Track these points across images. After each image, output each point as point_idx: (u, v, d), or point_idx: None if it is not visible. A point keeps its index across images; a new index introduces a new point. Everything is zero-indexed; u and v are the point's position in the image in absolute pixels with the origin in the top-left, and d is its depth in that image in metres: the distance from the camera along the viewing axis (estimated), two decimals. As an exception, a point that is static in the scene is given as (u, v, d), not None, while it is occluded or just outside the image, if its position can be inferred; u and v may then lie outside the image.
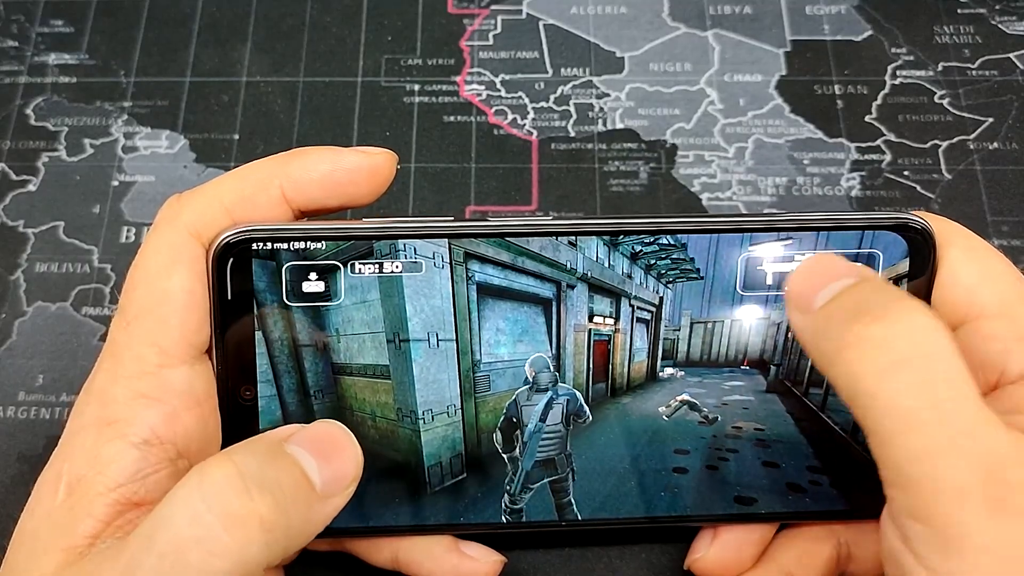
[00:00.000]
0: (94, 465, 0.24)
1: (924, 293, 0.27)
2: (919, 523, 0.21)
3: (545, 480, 0.30)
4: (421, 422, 0.29)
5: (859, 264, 0.26)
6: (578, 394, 0.29)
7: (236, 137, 0.42)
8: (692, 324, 0.30)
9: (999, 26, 0.44)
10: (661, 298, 0.30)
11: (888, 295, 0.23)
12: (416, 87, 0.43)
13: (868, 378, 0.22)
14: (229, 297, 0.27)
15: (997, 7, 0.44)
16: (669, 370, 0.30)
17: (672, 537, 0.33)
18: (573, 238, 0.28)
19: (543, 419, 0.30)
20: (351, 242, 0.27)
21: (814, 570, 0.29)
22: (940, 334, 0.22)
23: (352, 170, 0.27)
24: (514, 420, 0.29)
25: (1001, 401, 0.25)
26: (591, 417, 0.30)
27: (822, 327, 0.23)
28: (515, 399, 0.29)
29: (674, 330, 0.30)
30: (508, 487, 0.29)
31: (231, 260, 0.26)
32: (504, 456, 0.30)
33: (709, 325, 0.30)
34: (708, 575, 0.30)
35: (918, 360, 0.22)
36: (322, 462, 0.24)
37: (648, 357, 0.30)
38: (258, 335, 0.27)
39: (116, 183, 0.40)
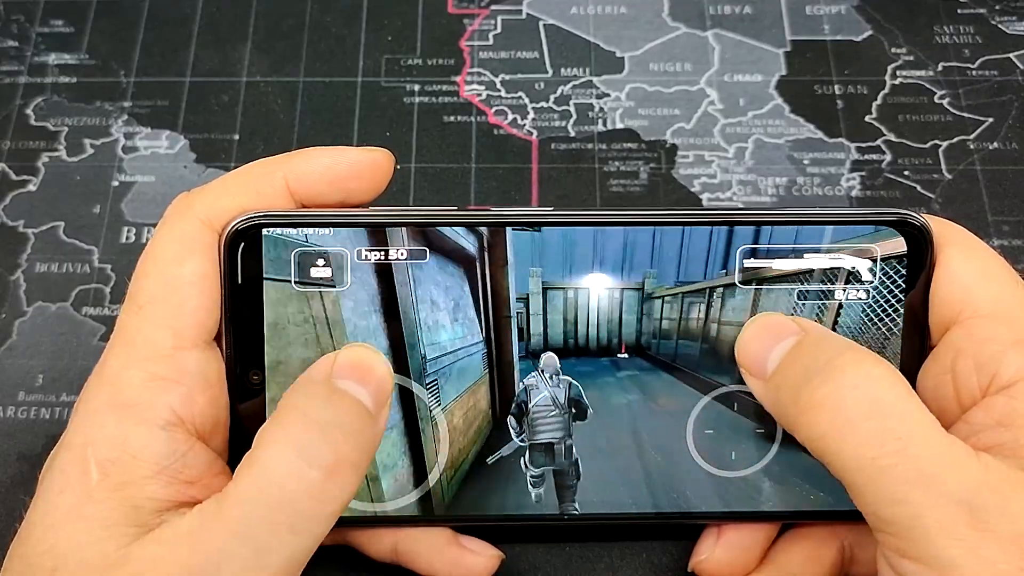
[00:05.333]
0: (124, 450, 0.24)
1: (922, 290, 0.27)
2: (910, 561, 0.22)
3: (548, 468, 0.30)
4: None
5: (799, 318, 0.26)
6: (579, 385, 0.30)
7: (236, 137, 0.42)
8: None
9: (999, 26, 0.44)
10: None
11: (831, 349, 0.24)
12: (416, 87, 0.43)
13: (828, 438, 0.23)
14: (239, 282, 0.27)
15: (997, 7, 0.44)
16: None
17: (673, 535, 0.33)
18: None
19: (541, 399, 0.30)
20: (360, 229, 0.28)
21: (818, 572, 0.29)
22: (887, 378, 0.23)
23: (354, 163, 0.27)
24: (523, 404, 0.30)
25: (985, 413, 0.25)
26: (591, 410, 0.30)
27: (777, 396, 0.25)
28: (524, 384, 0.30)
29: None
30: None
31: (242, 245, 0.27)
32: (516, 439, 0.30)
33: None
34: None
35: (871, 410, 0.23)
36: (366, 385, 0.25)
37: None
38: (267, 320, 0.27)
39: (116, 183, 0.40)
